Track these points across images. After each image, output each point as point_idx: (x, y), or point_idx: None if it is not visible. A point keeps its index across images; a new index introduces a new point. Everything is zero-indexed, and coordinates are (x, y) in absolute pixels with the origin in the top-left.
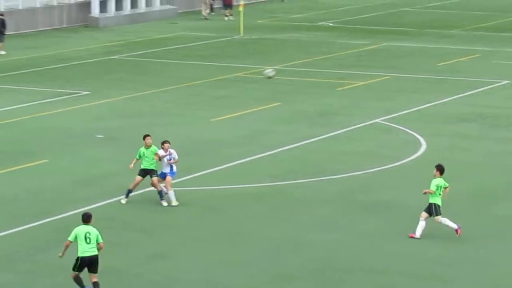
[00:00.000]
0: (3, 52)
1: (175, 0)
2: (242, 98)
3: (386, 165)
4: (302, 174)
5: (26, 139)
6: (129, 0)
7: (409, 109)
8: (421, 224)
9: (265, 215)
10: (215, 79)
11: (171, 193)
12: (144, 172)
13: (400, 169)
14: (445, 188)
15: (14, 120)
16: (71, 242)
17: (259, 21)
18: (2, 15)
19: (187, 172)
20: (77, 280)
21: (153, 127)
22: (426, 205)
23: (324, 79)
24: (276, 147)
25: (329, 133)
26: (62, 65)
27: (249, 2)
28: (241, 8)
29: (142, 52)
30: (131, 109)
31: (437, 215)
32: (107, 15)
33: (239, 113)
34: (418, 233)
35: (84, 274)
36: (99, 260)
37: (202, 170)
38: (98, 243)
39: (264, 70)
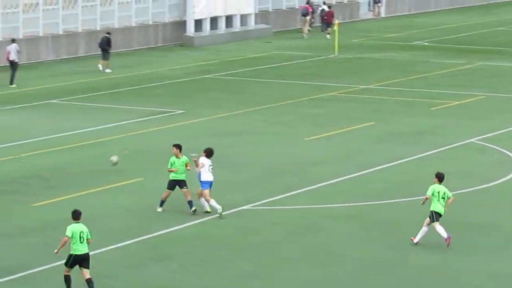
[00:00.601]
0: (108, 70)
1: (270, 19)
2: (336, 117)
3: (480, 186)
4: (395, 194)
5: (121, 157)
6: (224, 19)
7: (505, 129)
8: (423, 230)
9: (358, 235)
10: (309, 98)
11: (213, 202)
12: (175, 183)
13: (494, 190)
14: (448, 198)
15: (110, 138)
16: (69, 238)
17: (354, 40)
18: (108, 33)
19: (281, 191)
20: (67, 279)
21: (246, 146)
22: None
23: (418, 99)
24: (369, 166)
25: (423, 153)
26: (157, 84)
27: (345, 21)
28: (336, 27)
29: (237, 71)
30: (225, 128)
31: (433, 221)
32: (202, 34)
33: (333, 132)
34: (417, 238)
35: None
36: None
37: (296, 189)
38: (87, 239)
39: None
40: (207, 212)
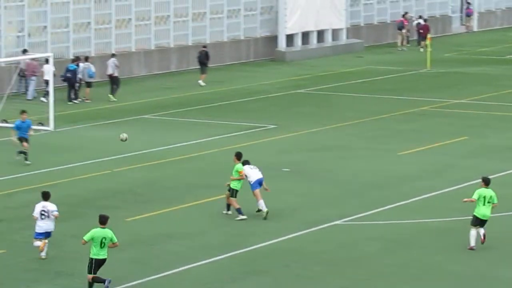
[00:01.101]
0: (203, 84)
1: (362, 34)
2: (429, 132)
3: None
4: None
5: (213, 171)
6: (316, 34)
7: None
8: (472, 234)
9: (453, 250)
10: (401, 112)
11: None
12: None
13: None
14: (494, 203)
15: (202, 153)
16: (86, 242)
17: (446, 55)
18: (205, 47)
19: (374, 205)
20: (96, 279)
21: (339, 161)
22: None
23: None
24: (462, 181)
25: None
26: (249, 99)
27: (437, 35)
28: (428, 42)
29: (328, 85)
30: (317, 143)
31: (474, 225)
32: (293, 49)
33: (426, 147)
34: (471, 243)
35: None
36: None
37: (390, 204)
38: (113, 243)
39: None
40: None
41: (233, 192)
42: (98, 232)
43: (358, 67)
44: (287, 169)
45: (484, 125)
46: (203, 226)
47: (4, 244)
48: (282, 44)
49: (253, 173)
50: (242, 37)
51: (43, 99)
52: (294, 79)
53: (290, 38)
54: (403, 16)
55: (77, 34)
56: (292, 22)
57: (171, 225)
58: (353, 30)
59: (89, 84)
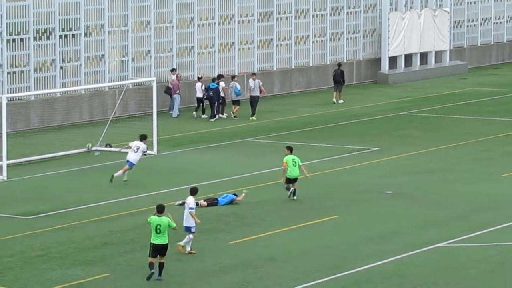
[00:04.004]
0: (341, 101)
1: (465, 55)
2: None
3: None
4: None
5: (316, 194)
6: (419, 56)
7: None
8: None
9: None
10: (505, 134)
11: None
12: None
13: None
14: None
15: (303, 176)
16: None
17: None
18: (340, 64)
19: (478, 228)
20: (150, 266)
21: (441, 183)
22: None
23: None
24: None
25: None
26: (352, 121)
27: None
28: None
29: (431, 107)
30: (420, 165)
31: None
32: (396, 71)
33: None
34: None
35: None
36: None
37: (494, 226)
38: (173, 228)
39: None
40: None
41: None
42: (153, 219)
43: (461, 89)
44: (390, 192)
45: None
46: (306, 249)
47: (109, 268)
48: (385, 66)
49: None
50: (345, 60)
51: (194, 113)
52: (397, 101)
53: (393, 61)
54: None
55: (180, 58)
56: (395, 45)
57: (273, 247)
58: (456, 52)
59: (236, 102)
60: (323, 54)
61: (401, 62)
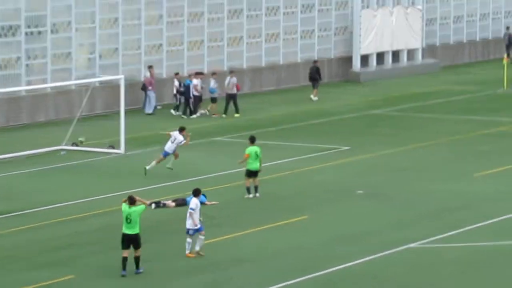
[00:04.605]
0: (316, 98)
1: (438, 54)
2: (506, 153)
3: None
4: None
5: (286, 194)
6: (391, 54)
7: None
8: None
9: None
10: (477, 133)
11: None
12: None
13: None
14: None
15: (273, 176)
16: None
17: None
18: (316, 61)
19: (450, 228)
20: (123, 261)
21: (414, 182)
22: None
23: None
24: None
25: None
26: (323, 120)
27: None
28: (505, 61)
29: (403, 106)
30: (392, 165)
31: None
32: (368, 69)
33: (504, 168)
34: None
35: None
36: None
37: (466, 226)
38: (145, 208)
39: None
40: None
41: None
42: (124, 209)
43: (434, 87)
44: (361, 191)
45: None
46: (277, 249)
47: (76, 269)
48: (356, 64)
49: None
50: (316, 58)
51: (172, 111)
52: (369, 100)
53: (364, 59)
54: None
55: (148, 55)
56: (367, 43)
57: (243, 248)
58: (429, 50)
59: (213, 100)
60: (294, 52)
61: (373, 60)
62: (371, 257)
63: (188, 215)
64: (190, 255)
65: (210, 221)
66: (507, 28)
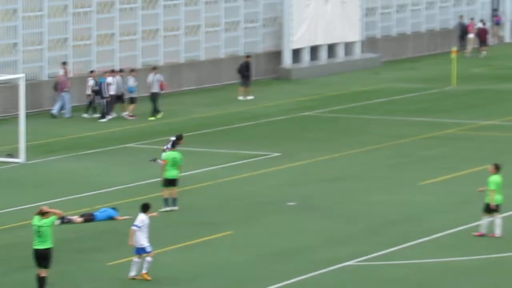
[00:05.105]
0: (250, 97)
1: (379, 47)
2: (454, 159)
3: None
4: None
5: (209, 207)
6: (326, 48)
7: None
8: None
9: None
10: (423, 137)
11: None
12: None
13: None
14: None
15: (196, 186)
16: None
17: (475, 70)
18: (248, 56)
19: (394, 243)
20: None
21: (351, 193)
22: None
23: None
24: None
25: None
26: (249, 123)
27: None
28: (453, 55)
29: (340, 107)
30: (328, 173)
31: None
32: (300, 65)
33: (451, 176)
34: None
35: None
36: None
37: (411, 241)
38: (56, 219)
39: None
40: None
41: None
42: (35, 221)
43: (374, 85)
44: (293, 203)
45: None
46: (196, 270)
47: None
48: (287, 60)
49: None
50: (242, 53)
51: (85, 115)
52: (301, 100)
53: (296, 54)
54: (472, 19)
55: (52, 51)
56: (299, 35)
57: (159, 269)
58: (369, 44)
59: (132, 100)
60: (216, 46)
61: (306, 55)
62: (302, 277)
63: (132, 232)
64: (134, 277)
65: (122, 238)
66: (460, 17)
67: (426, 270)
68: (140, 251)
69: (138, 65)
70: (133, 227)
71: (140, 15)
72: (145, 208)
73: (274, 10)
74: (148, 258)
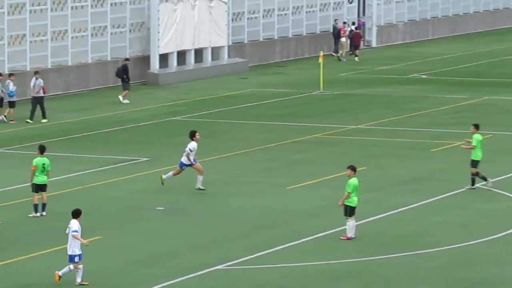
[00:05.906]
0: (126, 101)
1: (246, 52)
2: (322, 162)
3: (488, 237)
4: (392, 248)
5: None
6: (193, 53)
7: None
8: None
9: None
10: (291, 141)
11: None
12: None
13: (505, 241)
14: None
15: (63, 191)
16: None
17: (341, 74)
18: (127, 60)
19: (261, 248)
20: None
21: (219, 198)
22: None
23: (417, 139)
24: (361, 218)
25: (423, 200)
26: (117, 128)
27: (329, 52)
28: (320, 60)
29: (208, 112)
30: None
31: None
32: (168, 70)
33: (319, 180)
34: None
35: None
36: None
37: (279, 245)
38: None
39: None
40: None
41: None
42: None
43: (242, 90)
44: (161, 208)
45: (386, 153)
46: (63, 278)
47: None
48: (155, 65)
49: None
50: (109, 58)
51: None
52: (169, 105)
53: (164, 58)
54: (344, 22)
55: None
56: (166, 40)
57: (29, 274)
58: (236, 48)
59: (11, 104)
60: (84, 51)
61: (173, 60)
62: (170, 282)
63: (71, 238)
64: (58, 278)
65: None
66: (335, 20)
67: (294, 274)
68: (71, 259)
69: (5, 69)
70: (75, 232)
71: (5, 20)
72: (76, 214)
73: (141, 15)
74: (71, 267)
